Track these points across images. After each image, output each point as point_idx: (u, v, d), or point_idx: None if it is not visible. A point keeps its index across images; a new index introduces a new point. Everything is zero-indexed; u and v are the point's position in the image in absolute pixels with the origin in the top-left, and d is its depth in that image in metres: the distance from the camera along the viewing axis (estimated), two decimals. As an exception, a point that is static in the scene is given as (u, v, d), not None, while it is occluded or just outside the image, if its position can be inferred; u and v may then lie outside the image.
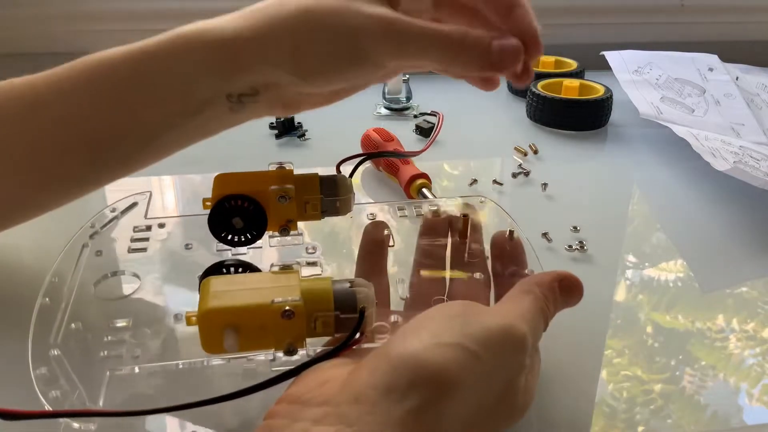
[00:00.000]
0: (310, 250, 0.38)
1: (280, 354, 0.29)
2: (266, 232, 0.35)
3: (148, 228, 0.38)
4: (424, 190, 0.49)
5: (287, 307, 0.28)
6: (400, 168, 0.51)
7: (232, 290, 0.29)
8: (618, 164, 0.61)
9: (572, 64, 0.77)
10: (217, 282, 0.30)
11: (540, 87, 0.68)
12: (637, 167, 0.61)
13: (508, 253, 0.36)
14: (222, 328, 0.28)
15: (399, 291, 0.36)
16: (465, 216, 0.38)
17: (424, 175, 0.50)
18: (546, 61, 0.77)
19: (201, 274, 0.34)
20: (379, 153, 0.54)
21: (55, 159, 0.34)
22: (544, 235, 0.46)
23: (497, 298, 0.34)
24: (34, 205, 0.36)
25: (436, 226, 0.39)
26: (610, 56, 0.73)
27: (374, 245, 0.38)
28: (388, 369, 0.24)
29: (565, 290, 0.31)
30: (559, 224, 0.47)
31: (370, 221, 0.39)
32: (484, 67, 0.32)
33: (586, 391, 0.34)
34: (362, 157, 0.46)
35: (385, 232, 0.38)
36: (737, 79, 0.73)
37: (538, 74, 0.73)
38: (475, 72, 0.34)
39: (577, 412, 0.33)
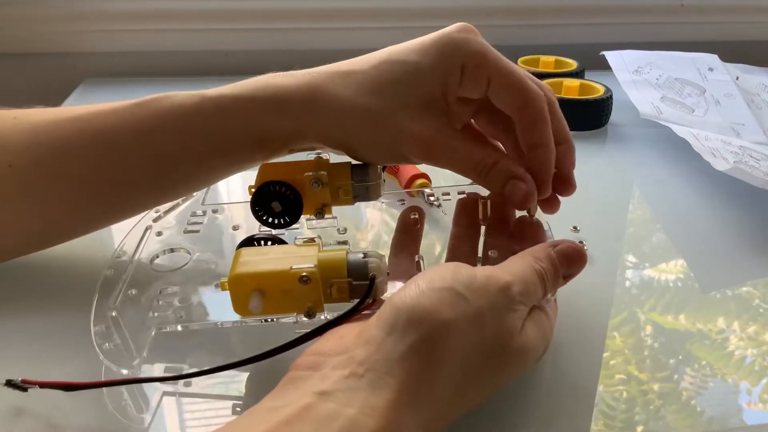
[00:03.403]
0: (341, 231, 0.42)
1: (302, 317, 0.33)
2: (303, 216, 0.39)
3: (204, 213, 0.44)
4: (425, 190, 0.49)
5: (304, 273, 0.31)
6: (400, 168, 0.51)
7: (258, 259, 0.33)
8: (618, 164, 0.61)
9: (572, 64, 0.77)
10: (246, 252, 0.33)
11: (540, 87, 0.68)
12: (637, 167, 0.61)
13: (528, 234, 0.39)
14: (248, 292, 0.31)
15: (422, 267, 0.39)
16: (484, 199, 0.40)
17: (424, 175, 0.50)
18: (546, 61, 0.77)
19: (237, 246, 0.38)
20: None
21: (122, 192, 0.38)
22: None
23: None
24: (80, 228, 0.40)
25: (470, 208, 0.41)
26: (610, 56, 0.73)
27: (407, 226, 0.42)
28: (390, 313, 0.28)
29: (563, 255, 0.33)
30: (559, 224, 0.47)
31: (408, 207, 0.44)
32: (498, 195, 0.36)
33: (586, 391, 0.34)
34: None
35: (415, 215, 0.42)
36: (737, 79, 0.72)
37: (538, 74, 0.73)
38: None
39: (577, 412, 0.33)
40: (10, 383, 0.30)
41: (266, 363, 0.30)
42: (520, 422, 0.32)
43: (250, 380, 0.34)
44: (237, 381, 0.34)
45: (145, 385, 0.33)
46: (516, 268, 0.31)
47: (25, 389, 0.30)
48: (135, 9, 0.80)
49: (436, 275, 0.29)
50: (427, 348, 0.27)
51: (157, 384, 0.33)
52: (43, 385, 0.30)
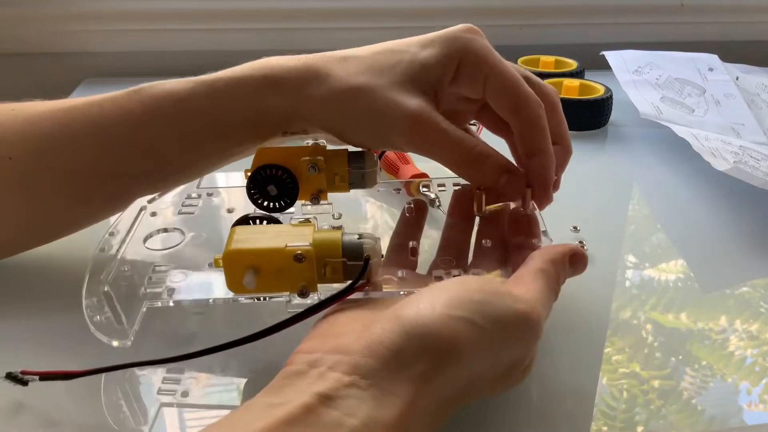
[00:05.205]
0: (335, 217, 0.42)
1: (295, 296, 0.32)
2: (298, 201, 0.38)
3: (199, 196, 0.44)
4: (425, 189, 0.49)
5: (299, 251, 0.31)
6: (400, 168, 0.51)
7: (253, 236, 0.33)
8: (618, 164, 0.61)
9: (572, 64, 0.77)
10: (241, 230, 0.33)
11: (540, 87, 0.68)
12: (637, 167, 0.61)
13: (523, 224, 0.38)
14: (242, 268, 0.31)
15: (415, 252, 0.38)
16: (480, 190, 0.40)
17: (424, 175, 0.50)
18: (546, 61, 0.77)
19: (232, 224, 0.38)
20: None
21: (117, 184, 0.38)
22: (543, 233, 0.46)
23: (512, 267, 0.35)
24: (79, 221, 0.40)
25: (466, 200, 0.41)
26: (610, 56, 0.73)
27: (407, 215, 0.42)
28: (401, 332, 0.26)
29: (573, 263, 0.33)
30: (559, 224, 0.47)
31: (413, 200, 0.44)
32: (490, 189, 0.37)
33: (586, 391, 0.34)
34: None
35: (410, 204, 0.43)
36: (737, 79, 0.72)
37: (538, 74, 0.73)
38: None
39: (577, 412, 0.33)
40: (10, 376, 0.29)
41: (264, 372, 0.30)
42: (520, 422, 0.32)
43: (248, 388, 0.34)
44: (235, 390, 0.34)
45: (143, 395, 0.33)
46: (546, 297, 0.30)
47: (25, 383, 0.29)
48: (135, 9, 0.80)
49: (455, 298, 0.27)
50: (437, 377, 0.26)
51: (154, 395, 0.33)
52: (43, 377, 0.30)
